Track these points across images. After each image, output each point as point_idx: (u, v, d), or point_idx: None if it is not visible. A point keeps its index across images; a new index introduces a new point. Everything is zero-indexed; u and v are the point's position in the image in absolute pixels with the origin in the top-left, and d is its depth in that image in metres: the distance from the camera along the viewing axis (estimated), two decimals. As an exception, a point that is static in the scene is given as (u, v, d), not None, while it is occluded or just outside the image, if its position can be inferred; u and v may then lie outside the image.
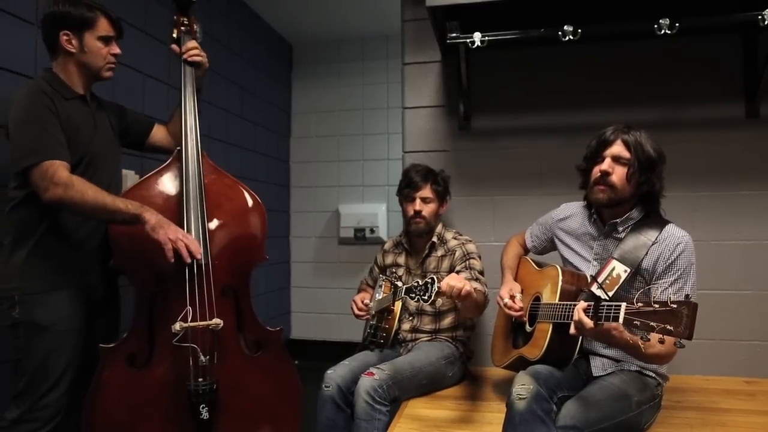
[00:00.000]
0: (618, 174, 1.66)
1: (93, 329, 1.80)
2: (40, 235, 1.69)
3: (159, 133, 2.06)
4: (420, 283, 1.69)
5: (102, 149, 1.84)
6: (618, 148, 1.67)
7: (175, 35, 2.02)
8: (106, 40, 1.78)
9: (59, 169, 1.61)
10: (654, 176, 1.66)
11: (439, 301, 2.05)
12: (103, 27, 1.77)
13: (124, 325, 1.93)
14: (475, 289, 1.72)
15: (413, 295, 1.70)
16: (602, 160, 1.69)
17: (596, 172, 1.70)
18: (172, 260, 1.65)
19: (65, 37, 1.73)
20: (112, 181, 1.87)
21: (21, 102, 1.66)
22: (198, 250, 1.69)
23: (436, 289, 1.62)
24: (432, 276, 1.66)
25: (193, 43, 1.97)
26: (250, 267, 1.94)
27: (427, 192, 2.17)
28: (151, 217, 1.66)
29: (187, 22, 2.03)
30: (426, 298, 1.65)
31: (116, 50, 1.83)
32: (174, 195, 1.86)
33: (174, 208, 1.82)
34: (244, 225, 1.95)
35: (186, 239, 1.68)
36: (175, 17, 2.03)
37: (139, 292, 1.79)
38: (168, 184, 1.87)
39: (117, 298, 1.95)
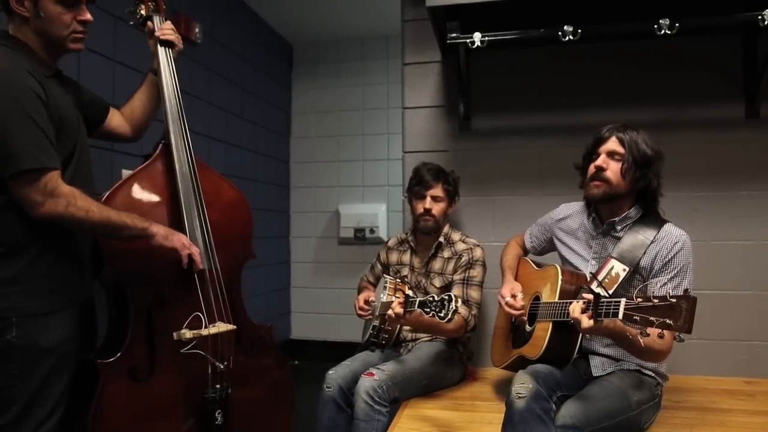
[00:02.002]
0: (612, 169, 1.68)
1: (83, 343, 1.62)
2: (39, 249, 1.45)
3: (116, 118, 1.80)
4: (436, 298, 1.66)
5: (84, 140, 1.60)
6: (612, 144, 1.69)
7: (144, 12, 1.81)
8: (68, 4, 1.44)
9: (59, 181, 1.39)
10: (650, 172, 1.67)
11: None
12: None
13: (100, 331, 1.82)
14: (442, 319, 1.65)
15: (428, 309, 1.67)
16: (597, 156, 1.71)
17: (591, 168, 1.72)
18: (186, 265, 1.62)
19: None
20: (90, 176, 1.64)
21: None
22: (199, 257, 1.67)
23: (453, 308, 1.61)
24: (449, 294, 1.65)
25: (168, 23, 1.80)
26: (241, 265, 1.94)
27: (438, 191, 2.17)
28: (159, 228, 1.58)
29: None
30: (442, 315, 1.63)
31: (85, 16, 1.48)
32: (166, 196, 1.74)
33: (167, 211, 1.73)
34: (235, 223, 1.93)
35: (193, 246, 1.65)
36: None
37: (135, 301, 1.67)
38: (157, 183, 1.74)
39: (92, 305, 1.74)
